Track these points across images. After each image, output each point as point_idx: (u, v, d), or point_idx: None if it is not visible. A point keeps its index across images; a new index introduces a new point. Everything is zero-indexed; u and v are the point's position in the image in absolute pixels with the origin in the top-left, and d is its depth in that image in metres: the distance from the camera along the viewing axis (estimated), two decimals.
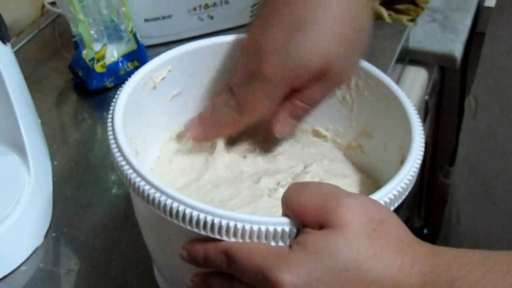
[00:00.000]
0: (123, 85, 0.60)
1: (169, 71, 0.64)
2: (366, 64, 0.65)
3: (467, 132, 0.80)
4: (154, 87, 0.64)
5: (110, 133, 0.56)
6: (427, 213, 1.60)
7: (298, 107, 0.60)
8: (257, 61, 0.58)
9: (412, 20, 1.13)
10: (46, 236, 0.72)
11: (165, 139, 0.68)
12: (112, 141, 0.55)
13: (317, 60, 0.56)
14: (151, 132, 0.64)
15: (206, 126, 0.64)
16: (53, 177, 0.77)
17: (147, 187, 0.50)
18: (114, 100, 0.59)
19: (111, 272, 0.68)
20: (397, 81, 1.05)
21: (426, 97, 1.15)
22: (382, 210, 0.47)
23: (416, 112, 0.60)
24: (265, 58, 0.57)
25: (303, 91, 0.59)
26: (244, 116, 0.60)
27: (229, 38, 0.67)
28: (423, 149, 0.56)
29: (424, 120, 1.25)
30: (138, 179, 0.51)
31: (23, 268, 0.68)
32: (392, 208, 0.52)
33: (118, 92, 0.59)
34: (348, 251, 0.44)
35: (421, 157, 0.56)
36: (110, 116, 0.57)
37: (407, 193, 0.53)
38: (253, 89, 0.59)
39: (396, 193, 0.52)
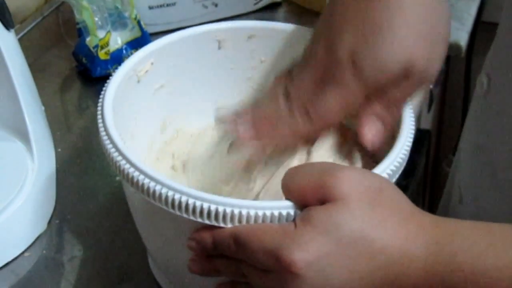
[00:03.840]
0: (108, 80, 0.60)
1: (152, 63, 0.64)
2: None
3: (476, 111, 0.79)
4: (138, 81, 0.63)
5: (101, 129, 0.55)
6: (431, 202, 1.60)
7: (378, 110, 0.55)
8: (330, 68, 0.54)
9: None
10: (49, 222, 0.72)
11: (159, 134, 0.68)
12: (105, 139, 0.54)
13: (397, 64, 0.52)
14: (138, 127, 0.64)
15: (260, 130, 0.57)
16: (57, 164, 0.77)
17: (152, 183, 0.50)
18: (101, 96, 0.58)
19: (115, 259, 0.68)
20: None
21: (431, 86, 1.14)
22: (379, 179, 0.48)
23: None
24: (340, 65, 0.53)
25: (384, 94, 0.54)
26: (315, 128, 0.55)
27: (208, 27, 0.67)
28: (413, 122, 0.56)
29: (428, 109, 1.25)
30: (136, 173, 0.50)
31: (26, 254, 0.69)
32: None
33: (104, 88, 0.59)
34: (352, 221, 0.44)
35: (413, 131, 0.56)
36: (99, 113, 0.56)
37: (402, 168, 0.54)
38: (327, 98, 0.54)
39: (394, 168, 0.52)
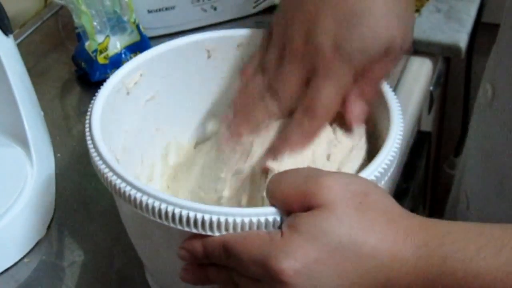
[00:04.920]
0: (96, 93, 0.60)
1: (141, 75, 0.64)
2: None
3: (480, 120, 0.79)
4: (128, 93, 0.63)
5: (89, 143, 0.55)
6: (432, 203, 1.60)
7: (364, 88, 0.57)
8: (313, 58, 0.56)
9: (417, 10, 1.12)
10: (49, 228, 0.72)
11: (150, 146, 0.68)
12: (93, 152, 0.54)
13: (380, 43, 0.55)
14: (129, 139, 0.64)
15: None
16: (56, 169, 0.77)
17: (133, 191, 0.50)
18: (89, 109, 0.58)
19: (114, 264, 0.68)
20: (402, 72, 1.04)
21: (431, 88, 1.14)
22: (365, 184, 0.48)
23: (390, 88, 0.60)
24: (324, 54, 0.55)
25: (367, 72, 0.57)
26: (319, 121, 0.57)
27: (197, 37, 0.67)
28: (402, 123, 0.57)
29: (429, 111, 1.24)
30: (124, 185, 0.51)
31: (26, 260, 0.69)
32: (379, 185, 0.52)
33: (92, 101, 0.59)
34: (340, 227, 0.44)
35: (401, 132, 0.56)
36: (87, 126, 0.57)
37: (391, 169, 0.54)
38: (323, 92, 0.55)
39: (381, 170, 0.52)
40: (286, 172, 0.50)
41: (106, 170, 0.52)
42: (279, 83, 0.58)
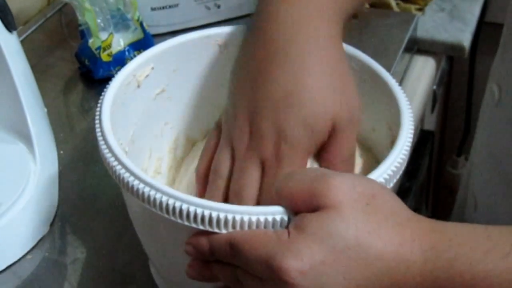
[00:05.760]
0: (107, 85, 0.60)
1: (152, 68, 0.64)
2: (348, 48, 0.64)
3: (487, 120, 0.79)
4: (138, 86, 0.63)
5: (99, 135, 0.55)
6: (434, 203, 1.60)
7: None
8: (263, 150, 0.54)
9: (420, 9, 1.12)
10: (51, 225, 0.72)
11: (159, 139, 0.68)
12: (103, 145, 0.54)
13: (323, 121, 0.53)
14: (138, 132, 0.64)
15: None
16: (59, 166, 0.77)
17: (141, 185, 0.50)
18: (99, 102, 0.58)
19: (117, 261, 0.68)
20: (405, 71, 1.04)
21: (434, 87, 1.14)
22: (372, 185, 0.47)
23: (401, 89, 0.60)
24: (270, 143, 0.53)
25: (327, 154, 0.55)
26: None
27: (209, 31, 0.67)
28: (412, 125, 0.56)
29: (432, 110, 1.24)
30: (132, 178, 0.51)
31: (28, 257, 0.69)
32: (388, 187, 0.52)
33: (103, 94, 0.59)
34: (346, 229, 0.44)
35: (411, 134, 0.56)
36: (97, 118, 0.57)
37: (401, 172, 0.53)
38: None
39: (390, 172, 0.52)
40: (294, 171, 0.49)
41: (115, 163, 0.52)
42: (241, 188, 0.55)
